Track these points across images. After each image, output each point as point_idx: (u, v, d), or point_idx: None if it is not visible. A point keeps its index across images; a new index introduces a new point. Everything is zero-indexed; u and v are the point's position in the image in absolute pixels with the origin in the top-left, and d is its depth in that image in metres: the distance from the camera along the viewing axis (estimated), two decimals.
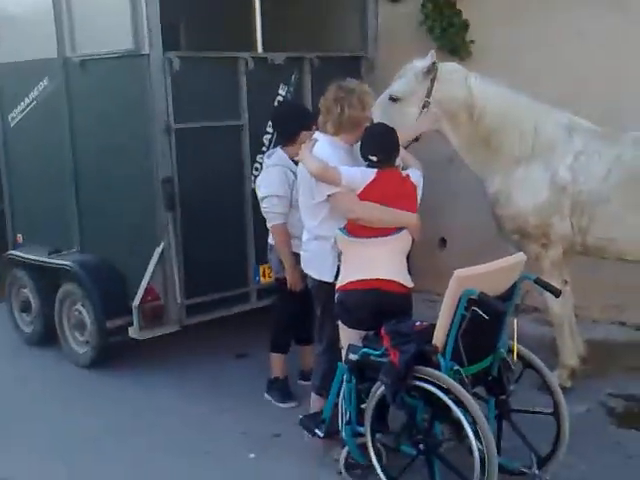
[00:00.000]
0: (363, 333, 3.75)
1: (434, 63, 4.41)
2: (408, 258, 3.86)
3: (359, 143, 3.86)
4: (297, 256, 4.32)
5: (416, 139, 4.44)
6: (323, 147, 3.88)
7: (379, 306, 3.72)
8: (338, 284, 3.82)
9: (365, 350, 3.63)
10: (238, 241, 5.36)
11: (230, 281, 5.32)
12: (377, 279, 3.70)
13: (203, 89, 5.08)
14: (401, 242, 3.77)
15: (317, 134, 4.00)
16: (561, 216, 4.45)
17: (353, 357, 3.65)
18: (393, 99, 4.44)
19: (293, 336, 4.89)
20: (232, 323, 5.64)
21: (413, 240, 3.83)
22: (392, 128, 3.82)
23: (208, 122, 5.13)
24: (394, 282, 3.72)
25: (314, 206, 3.90)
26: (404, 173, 3.84)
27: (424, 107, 4.41)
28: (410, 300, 3.84)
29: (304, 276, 4.24)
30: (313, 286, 4.10)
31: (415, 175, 3.87)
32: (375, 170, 3.76)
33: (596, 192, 4.34)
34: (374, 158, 3.75)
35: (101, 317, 5.21)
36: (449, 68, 4.51)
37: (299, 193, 4.05)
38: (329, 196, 3.78)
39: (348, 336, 3.79)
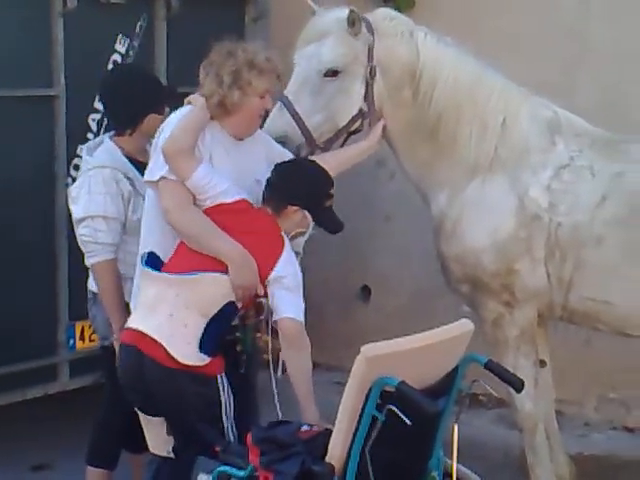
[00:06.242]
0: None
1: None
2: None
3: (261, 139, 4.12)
4: None
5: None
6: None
7: (142, 379, 3.75)
8: None
9: (223, 469, 3.62)
10: (41, 285, 5.40)
11: (25, 348, 5.32)
12: (137, 331, 3.78)
13: None
14: (198, 291, 3.77)
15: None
16: (532, 260, 4.52)
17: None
18: (332, 73, 4.45)
19: (126, 442, 4.80)
20: (29, 416, 5.72)
21: (245, 305, 3.89)
22: (326, 173, 4.01)
23: None
24: (158, 345, 3.72)
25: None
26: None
27: (371, 78, 4.51)
28: (187, 388, 3.76)
29: None
30: None
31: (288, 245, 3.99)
32: (242, 197, 3.93)
33: (584, 228, 4.44)
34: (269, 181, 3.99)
35: None
36: (384, 14, 4.63)
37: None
38: (161, 179, 3.94)
39: (153, 432, 3.92)
